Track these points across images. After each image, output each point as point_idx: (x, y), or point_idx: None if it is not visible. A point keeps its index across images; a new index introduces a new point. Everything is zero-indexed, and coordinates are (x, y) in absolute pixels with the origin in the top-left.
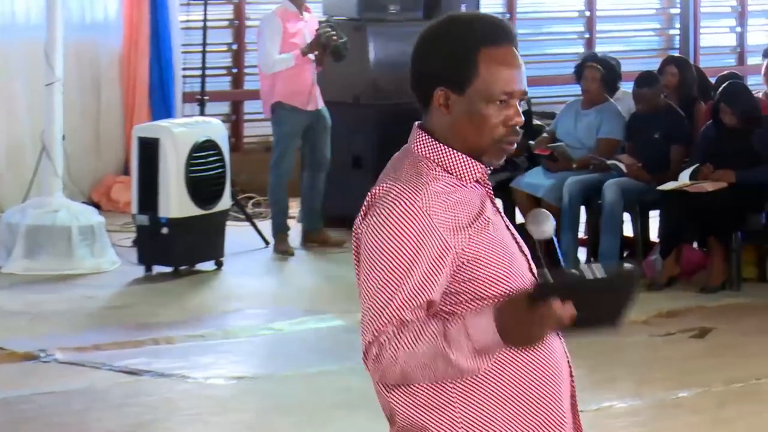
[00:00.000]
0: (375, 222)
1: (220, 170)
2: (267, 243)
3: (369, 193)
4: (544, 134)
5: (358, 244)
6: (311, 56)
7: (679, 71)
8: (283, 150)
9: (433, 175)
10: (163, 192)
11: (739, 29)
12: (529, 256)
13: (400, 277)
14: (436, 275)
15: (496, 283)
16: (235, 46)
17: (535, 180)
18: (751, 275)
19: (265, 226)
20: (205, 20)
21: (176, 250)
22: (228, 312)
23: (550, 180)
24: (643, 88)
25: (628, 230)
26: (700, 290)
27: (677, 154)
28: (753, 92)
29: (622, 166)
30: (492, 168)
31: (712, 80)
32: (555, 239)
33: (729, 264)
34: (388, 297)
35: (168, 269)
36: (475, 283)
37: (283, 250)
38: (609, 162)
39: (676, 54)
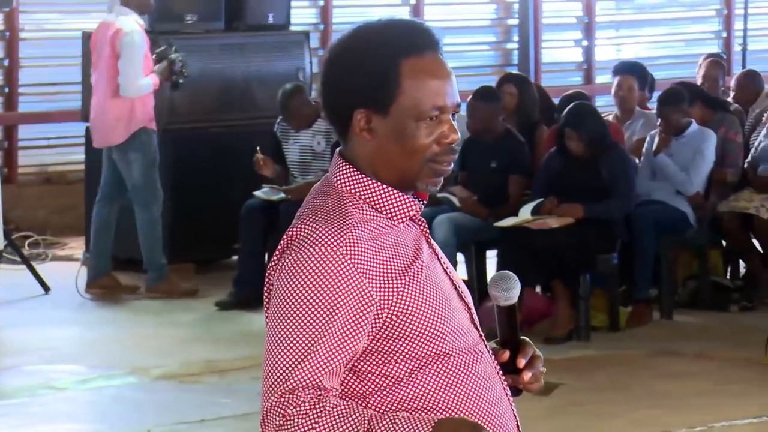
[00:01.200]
0: (290, 267)
1: None
2: (46, 289)
3: (285, 234)
4: None
5: (270, 290)
6: None
7: (518, 91)
8: (155, 178)
9: (359, 217)
10: None
11: (585, 43)
12: (471, 305)
13: (315, 334)
14: (356, 334)
15: (431, 340)
16: (6, 62)
17: None
18: (602, 324)
19: (45, 269)
20: None
21: None
22: (1, 369)
23: None
24: (477, 101)
25: (462, 272)
26: (543, 341)
27: (516, 185)
28: (602, 115)
29: (455, 200)
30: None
31: (556, 101)
32: (516, 305)
33: (576, 311)
34: (300, 355)
35: None
36: (406, 341)
37: (183, 291)
38: (439, 195)
39: (515, 71)
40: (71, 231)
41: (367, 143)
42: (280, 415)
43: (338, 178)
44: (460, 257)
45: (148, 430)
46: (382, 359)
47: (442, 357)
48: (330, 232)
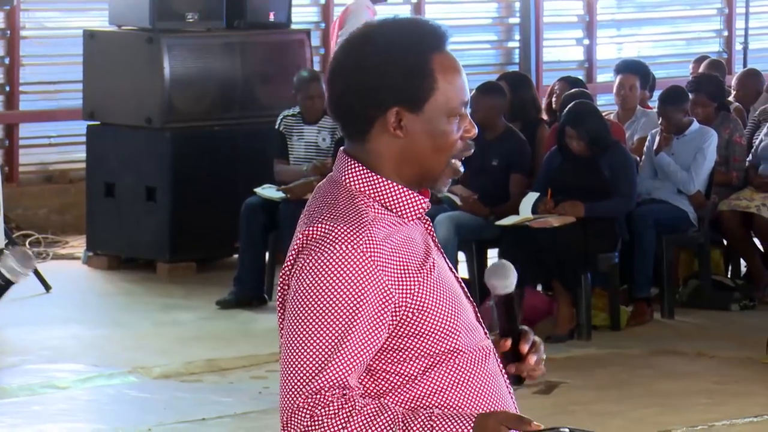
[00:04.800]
0: (311, 267)
1: None
2: (47, 288)
3: (301, 234)
4: None
5: (285, 292)
6: None
7: (511, 90)
8: None
9: (373, 215)
10: None
11: (586, 42)
12: (474, 303)
13: (340, 334)
14: (378, 332)
15: (445, 338)
16: (7, 60)
17: None
18: (603, 323)
19: (46, 268)
20: None
21: None
22: (2, 368)
23: None
24: (480, 94)
25: (463, 271)
26: (545, 339)
27: (517, 184)
28: (603, 113)
29: (456, 198)
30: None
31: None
32: (515, 294)
33: (577, 310)
34: (325, 355)
35: None
36: (421, 338)
37: None
38: (440, 194)
39: (516, 70)
40: (72, 230)
41: (395, 141)
42: (308, 416)
43: (347, 176)
44: (461, 256)
45: (149, 429)
46: (397, 357)
47: (454, 354)
48: (348, 230)
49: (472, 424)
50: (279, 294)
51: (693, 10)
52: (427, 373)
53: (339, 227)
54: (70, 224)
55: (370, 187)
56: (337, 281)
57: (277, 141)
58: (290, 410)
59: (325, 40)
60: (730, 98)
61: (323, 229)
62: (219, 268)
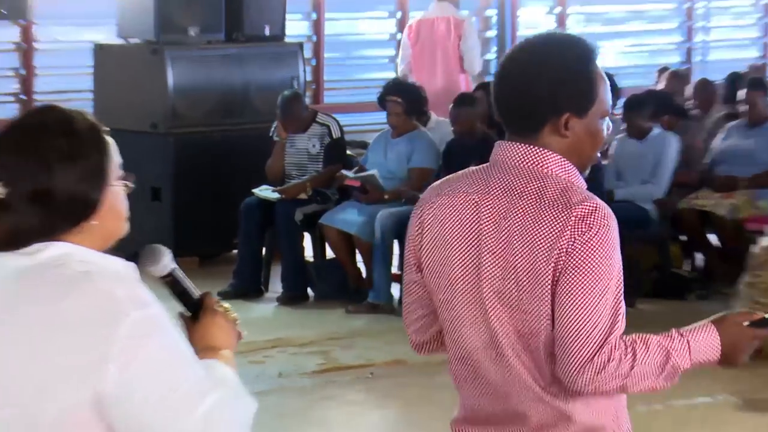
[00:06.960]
0: (601, 237)
1: None
2: None
3: (573, 210)
4: (357, 166)
5: (558, 258)
6: None
7: (489, 99)
8: None
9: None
10: None
11: None
12: None
13: (617, 287)
14: None
15: None
16: (23, 72)
17: (348, 216)
18: None
19: None
20: None
21: None
22: None
23: (362, 216)
24: (455, 107)
25: None
26: None
27: None
28: None
29: None
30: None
31: None
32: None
33: None
34: (614, 311)
35: None
36: None
37: None
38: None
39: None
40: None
41: (562, 140)
42: (609, 359)
43: (550, 166)
44: None
45: None
46: None
47: None
48: (605, 205)
49: (712, 326)
50: (555, 256)
51: (656, 24)
52: None
53: (600, 202)
54: None
55: (572, 175)
56: (613, 247)
57: (270, 148)
58: (588, 359)
59: (316, 52)
60: (689, 104)
61: (594, 204)
62: (220, 263)
